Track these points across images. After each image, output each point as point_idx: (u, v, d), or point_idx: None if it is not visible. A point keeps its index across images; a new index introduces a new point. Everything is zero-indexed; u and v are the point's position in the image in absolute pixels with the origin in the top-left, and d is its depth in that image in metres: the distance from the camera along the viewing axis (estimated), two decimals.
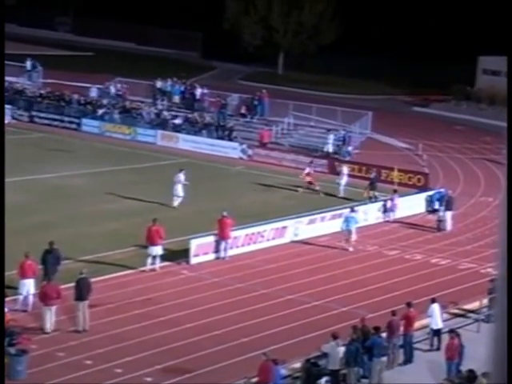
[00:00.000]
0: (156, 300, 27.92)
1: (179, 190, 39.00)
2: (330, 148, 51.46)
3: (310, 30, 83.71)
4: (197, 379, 22.74)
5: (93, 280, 26.53)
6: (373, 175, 43.25)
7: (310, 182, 43.20)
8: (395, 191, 41.23)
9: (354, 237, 35.08)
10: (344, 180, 43.06)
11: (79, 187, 41.31)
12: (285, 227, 35.36)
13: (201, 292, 28.96)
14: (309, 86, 76.61)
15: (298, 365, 23.03)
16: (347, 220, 35.13)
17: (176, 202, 38.66)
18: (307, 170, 43.87)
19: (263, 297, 28.91)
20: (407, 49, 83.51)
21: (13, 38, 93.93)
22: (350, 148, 51.60)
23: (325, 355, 22.76)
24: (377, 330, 23.53)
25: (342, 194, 42.48)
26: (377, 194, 41.77)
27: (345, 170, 43.85)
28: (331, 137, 52.03)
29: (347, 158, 49.85)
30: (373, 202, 40.56)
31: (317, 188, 42.71)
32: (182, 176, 39.41)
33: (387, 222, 39.37)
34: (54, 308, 25.11)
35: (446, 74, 74.04)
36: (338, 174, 44.11)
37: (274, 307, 28.02)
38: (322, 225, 36.55)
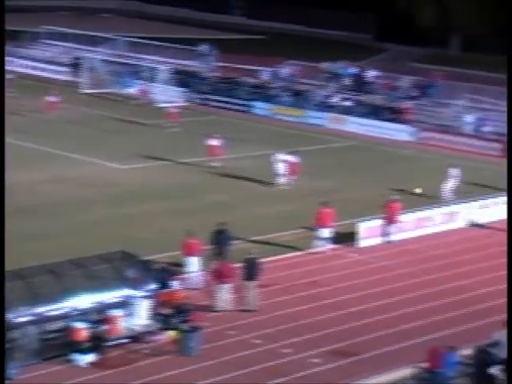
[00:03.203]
0: (323, 282, 28.04)
1: (280, 169, 39.09)
2: (466, 129, 50.16)
3: (485, 11, 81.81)
4: (363, 363, 22.72)
5: (262, 260, 26.88)
6: None
7: None
8: None
9: None
10: None
11: (249, 169, 41.92)
12: (455, 212, 34.67)
13: (368, 276, 28.87)
14: (485, 68, 74.62)
15: (469, 352, 22.59)
16: None
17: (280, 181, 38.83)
18: None
19: (431, 282, 28.50)
20: None
21: (188, 23, 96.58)
22: (487, 128, 49.94)
23: (496, 343, 22.21)
24: None
25: None
26: None
27: None
28: (468, 117, 50.69)
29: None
30: None
31: None
32: (281, 156, 39.25)
33: None
34: (227, 286, 25.51)
35: None
36: None
37: (442, 294, 27.55)
38: (495, 210, 35.55)
